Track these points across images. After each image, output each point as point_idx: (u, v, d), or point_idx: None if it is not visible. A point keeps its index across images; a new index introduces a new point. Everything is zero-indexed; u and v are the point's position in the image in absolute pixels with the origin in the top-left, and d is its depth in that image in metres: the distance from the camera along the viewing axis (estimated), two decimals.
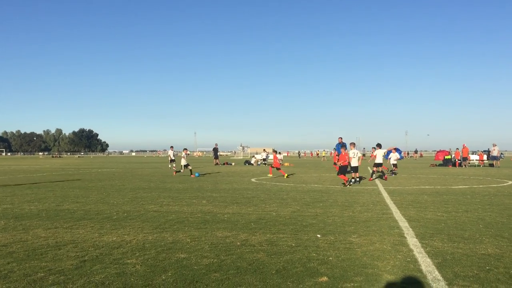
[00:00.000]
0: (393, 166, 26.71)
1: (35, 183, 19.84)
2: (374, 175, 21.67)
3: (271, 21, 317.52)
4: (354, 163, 19.11)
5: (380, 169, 21.25)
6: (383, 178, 20.91)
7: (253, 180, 21.42)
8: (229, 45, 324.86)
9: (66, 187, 17.42)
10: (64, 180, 21.71)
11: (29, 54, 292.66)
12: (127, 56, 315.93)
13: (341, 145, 23.96)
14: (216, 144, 48.10)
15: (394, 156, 27.05)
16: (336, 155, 24.41)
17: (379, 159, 21.16)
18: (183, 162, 25.19)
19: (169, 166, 33.43)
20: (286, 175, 23.36)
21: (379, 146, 21.71)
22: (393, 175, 24.97)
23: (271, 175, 23.81)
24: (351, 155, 19.22)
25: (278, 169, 24.40)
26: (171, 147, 35.26)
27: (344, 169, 18.02)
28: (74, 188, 16.97)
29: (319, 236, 7.40)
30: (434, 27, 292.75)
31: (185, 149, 26.95)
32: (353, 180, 18.69)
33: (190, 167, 24.70)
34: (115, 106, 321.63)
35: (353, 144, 20.30)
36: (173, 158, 33.75)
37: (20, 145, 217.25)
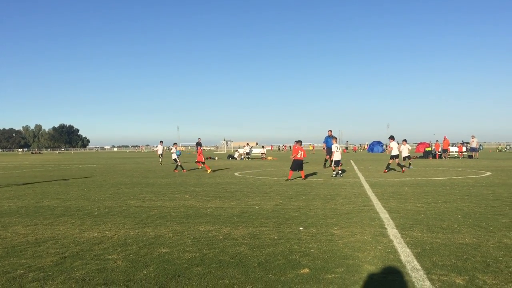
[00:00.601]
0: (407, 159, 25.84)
1: (16, 179, 19.54)
2: (404, 167, 22.11)
3: (256, 15, 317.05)
4: (337, 156, 19.23)
5: (397, 161, 21.21)
6: (401, 170, 20.77)
7: (236, 174, 21.42)
8: (212, 40, 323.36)
9: (45, 184, 17.19)
10: (44, 176, 21.43)
11: (6, 50, 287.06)
12: (107, 51, 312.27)
13: (331, 138, 24.13)
14: (200, 139, 47.92)
15: (405, 148, 26.28)
16: (324, 148, 24.60)
17: (395, 151, 21.25)
18: (174, 156, 25.18)
19: (160, 161, 33.53)
20: (209, 170, 23.09)
21: (392, 138, 21.66)
22: (410, 167, 24.33)
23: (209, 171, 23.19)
24: (333, 149, 19.40)
25: (202, 163, 24.31)
26: (161, 142, 35.24)
27: (295, 165, 17.62)
28: (54, 185, 16.75)
29: (301, 228, 7.45)
30: (413, 20, 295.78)
31: (175, 143, 27.11)
32: (335, 173, 18.86)
33: (179, 163, 24.66)
34: (96, 101, 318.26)
35: (335, 138, 20.45)
36: (161, 152, 33.79)
37: None
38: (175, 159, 24.96)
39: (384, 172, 20.61)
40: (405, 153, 24.47)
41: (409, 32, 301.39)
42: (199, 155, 25.05)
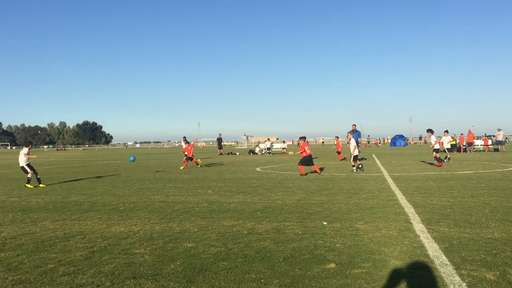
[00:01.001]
0: (447, 151, 24.77)
1: (42, 175, 19.97)
2: (446, 159, 22.12)
3: (274, 9, 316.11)
4: (355, 151, 19.01)
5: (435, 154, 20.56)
6: (437, 164, 20.18)
7: (257, 169, 21.45)
8: (232, 34, 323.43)
9: (72, 179, 17.51)
10: (69, 172, 21.84)
11: (32, 48, 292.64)
12: (129, 48, 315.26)
13: (356, 133, 23.85)
14: (220, 134, 48.20)
15: (446, 140, 25.22)
16: (348, 143, 24.35)
17: (436, 144, 20.60)
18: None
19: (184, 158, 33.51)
20: (183, 167, 23.02)
21: (431, 131, 20.89)
22: (449, 161, 23.53)
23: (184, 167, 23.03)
24: (352, 143, 19.24)
25: (189, 158, 23.55)
26: (184, 138, 35.28)
27: (305, 160, 17.43)
28: (80, 180, 17.06)
29: (325, 223, 7.43)
30: (436, 9, 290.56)
31: (184, 137, 26.94)
32: (355, 168, 18.71)
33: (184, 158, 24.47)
34: (118, 98, 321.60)
35: (351, 132, 20.18)
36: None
37: (25, 138, 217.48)
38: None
39: (440, 166, 19.77)
40: (446, 145, 24.09)
41: (432, 21, 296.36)
42: (188, 150, 23.58)
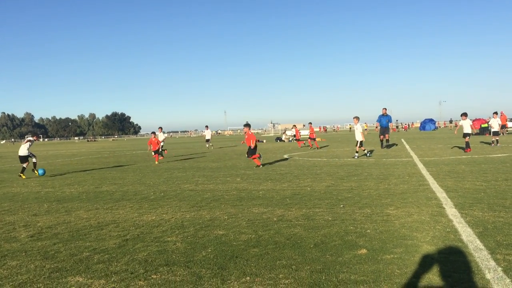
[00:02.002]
0: (494, 134, 23.54)
1: (75, 166, 20.43)
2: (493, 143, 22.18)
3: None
4: (358, 137, 18.30)
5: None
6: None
7: (285, 156, 21.42)
8: (257, 21, 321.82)
9: (103, 170, 17.87)
10: (100, 163, 22.29)
11: (61, 41, 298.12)
12: (156, 38, 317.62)
13: (386, 117, 23.14)
14: (247, 122, 48.30)
15: (496, 122, 24.03)
16: (377, 127, 23.74)
17: (467, 129, 19.74)
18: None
19: (207, 145, 33.43)
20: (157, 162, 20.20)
21: (465, 115, 20.11)
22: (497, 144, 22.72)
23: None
24: (358, 129, 18.56)
25: (155, 152, 20.49)
26: (206, 126, 35.15)
27: (252, 151, 16.37)
28: (111, 170, 17.39)
29: (342, 206, 7.56)
30: None
31: (160, 127, 25.77)
32: (357, 154, 18.30)
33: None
34: (146, 89, 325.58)
35: (357, 118, 19.12)
36: (208, 138, 33.82)
37: (56, 130, 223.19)
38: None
39: (468, 151, 18.55)
40: (495, 127, 23.49)
41: (461, 5, 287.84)
42: (153, 143, 20.55)
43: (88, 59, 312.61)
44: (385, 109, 23.36)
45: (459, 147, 21.65)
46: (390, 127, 24.05)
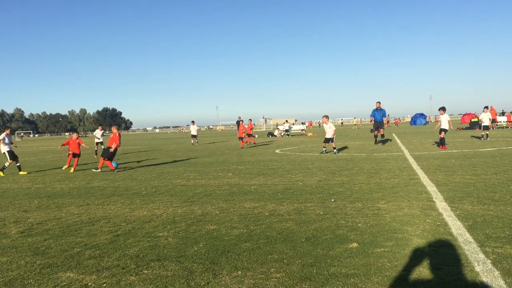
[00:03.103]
0: (484, 129, 23.75)
1: (65, 162, 20.31)
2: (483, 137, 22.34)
3: None
4: (328, 134, 18.19)
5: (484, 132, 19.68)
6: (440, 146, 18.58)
7: (277, 151, 21.44)
8: (250, 18, 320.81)
9: (93, 165, 17.77)
10: (92, 159, 22.18)
11: (51, 36, 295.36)
12: (147, 34, 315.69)
13: (380, 111, 22.35)
14: (240, 117, 48.28)
15: (486, 116, 23.71)
16: (371, 121, 22.93)
17: (444, 124, 18.76)
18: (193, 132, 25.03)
19: (192, 142, 33.01)
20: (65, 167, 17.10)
21: (443, 109, 18.95)
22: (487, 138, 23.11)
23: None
24: (326, 128, 18.38)
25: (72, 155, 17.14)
26: (192, 122, 34.68)
27: (107, 154, 15.09)
28: (102, 166, 17.27)
29: (333, 200, 7.60)
30: None
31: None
32: (325, 149, 18.38)
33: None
34: (137, 84, 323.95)
35: (326, 117, 18.81)
36: (195, 133, 33.39)
37: (47, 126, 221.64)
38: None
39: (443, 148, 18.07)
40: (486, 122, 23.32)
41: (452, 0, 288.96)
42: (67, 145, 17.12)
43: (79, 54, 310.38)
44: (379, 102, 22.49)
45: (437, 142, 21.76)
46: (384, 122, 22.93)
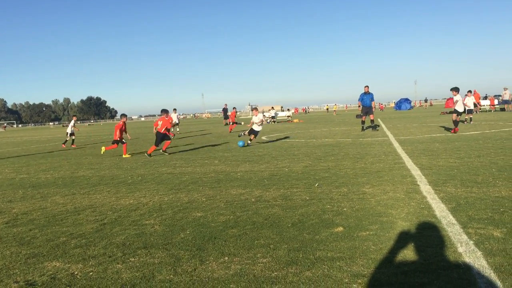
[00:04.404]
0: (468, 113, 23.15)
1: (50, 152, 20.09)
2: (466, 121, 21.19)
3: None
4: (256, 128, 17.43)
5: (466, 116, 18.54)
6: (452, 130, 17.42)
7: (263, 138, 21.46)
8: (234, 4, 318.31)
9: (79, 155, 17.63)
10: (77, 148, 21.98)
11: (32, 25, 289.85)
12: (130, 21, 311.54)
13: (369, 95, 21.62)
14: (226, 105, 48.16)
15: (471, 100, 23.35)
16: (359, 107, 22.11)
17: (460, 106, 17.98)
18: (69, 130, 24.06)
19: (172, 130, 31.73)
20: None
21: (456, 90, 17.96)
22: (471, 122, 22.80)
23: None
24: (255, 120, 17.52)
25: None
26: (174, 109, 33.50)
27: (163, 137, 15.65)
28: (87, 155, 17.17)
29: (317, 185, 7.67)
30: None
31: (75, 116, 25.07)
32: (242, 133, 17.90)
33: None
34: (121, 72, 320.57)
35: (256, 109, 18.19)
36: (177, 121, 32.04)
37: (30, 116, 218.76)
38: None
39: (455, 131, 17.15)
40: (470, 106, 22.48)
41: None
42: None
43: (62, 43, 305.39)
44: (367, 86, 21.72)
45: (447, 128, 21.98)
46: (374, 106, 22.10)
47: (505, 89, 40.01)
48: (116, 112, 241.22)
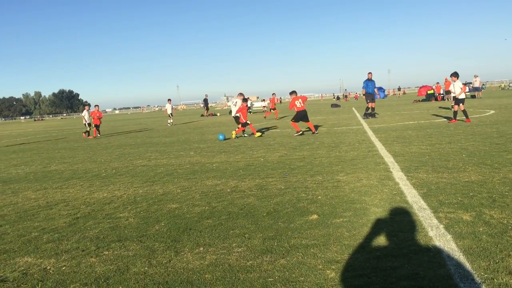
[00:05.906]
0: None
1: (21, 143, 19.65)
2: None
3: None
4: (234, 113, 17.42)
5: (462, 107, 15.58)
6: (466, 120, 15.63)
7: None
8: None
9: (51, 149, 17.29)
10: (49, 142, 21.55)
11: (2, 17, 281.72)
12: (104, 13, 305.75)
13: (372, 82, 21.41)
14: (206, 95, 48.13)
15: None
16: (363, 94, 21.78)
17: (461, 93, 16.14)
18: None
19: (168, 122, 30.51)
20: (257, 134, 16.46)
21: (456, 75, 16.25)
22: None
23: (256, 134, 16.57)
24: (231, 104, 17.40)
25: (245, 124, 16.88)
26: (169, 100, 31.49)
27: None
28: (59, 149, 16.85)
29: (285, 175, 7.78)
30: None
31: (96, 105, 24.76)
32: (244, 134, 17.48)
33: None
34: (94, 65, 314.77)
35: (241, 94, 17.63)
36: (171, 112, 30.61)
37: (0, 110, 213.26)
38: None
39: (454, 121, 15.90)
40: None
41: None
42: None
43: (31, 34, 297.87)
44: (371, 73, 21.43)
45: (445, 117, 22.27)
46: (377, 94, 21.80)
47: (476, 76, 40.88)
48: (89, 105, 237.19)
